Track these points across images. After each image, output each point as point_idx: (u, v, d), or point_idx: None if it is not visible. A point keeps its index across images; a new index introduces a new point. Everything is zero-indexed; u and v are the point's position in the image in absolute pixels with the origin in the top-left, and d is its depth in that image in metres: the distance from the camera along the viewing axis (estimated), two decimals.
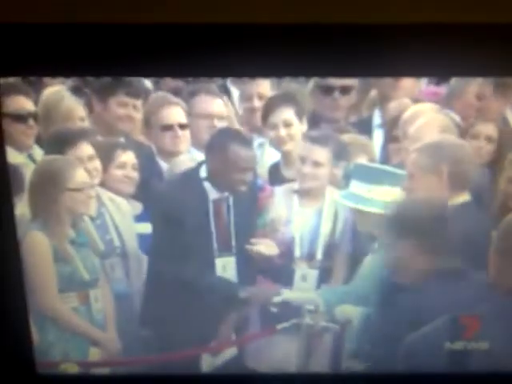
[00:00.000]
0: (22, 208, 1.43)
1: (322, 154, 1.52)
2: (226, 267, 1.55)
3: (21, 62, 1.18)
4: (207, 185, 1.56)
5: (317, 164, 1.53)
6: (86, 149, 1.48)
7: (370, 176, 1.47)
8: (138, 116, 1.57)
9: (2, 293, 1.34)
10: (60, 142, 1.47)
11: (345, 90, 1.53)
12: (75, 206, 1.48)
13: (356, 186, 1.49)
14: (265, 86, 1.55)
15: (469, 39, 1.14)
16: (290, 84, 1.51)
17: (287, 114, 1.54)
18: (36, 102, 1.46)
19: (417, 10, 1.10)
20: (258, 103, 1.57)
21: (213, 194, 1.56)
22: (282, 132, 1.55)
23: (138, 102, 1.55)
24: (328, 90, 1.53)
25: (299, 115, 1.54)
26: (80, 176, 1.46)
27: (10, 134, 1.36)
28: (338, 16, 1.12)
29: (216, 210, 1.55)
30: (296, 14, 1.11)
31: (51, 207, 1.46)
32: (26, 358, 1.41)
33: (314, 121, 1.54)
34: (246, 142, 1.54)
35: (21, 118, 1.44)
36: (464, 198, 1.43)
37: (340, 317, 1.51)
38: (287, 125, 1.54)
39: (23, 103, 1.43)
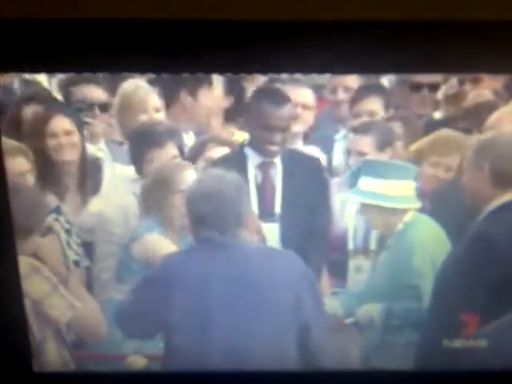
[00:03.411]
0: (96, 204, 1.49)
1: (365, 142, 1.51)
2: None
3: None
4: (248, 150, 1.51)
5: (361, 154, 1.51)
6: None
7: (379, 171, 1.45)
8: None
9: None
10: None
11: (432, 87, 1.50)
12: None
13: (365, 183, 1.46)
14: (351, 78, 1.53)
15: None
16: (377, 77, 1.50)
17: (374, 104, 1.54)
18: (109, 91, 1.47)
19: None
20: (342, 95, 1.57)
21: (255, 159, 1.51)
22: None
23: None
24: (415, 86, 1.50)
25: (386, 108, 1.53)
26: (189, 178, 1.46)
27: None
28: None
29: (259, 175, 1.50)
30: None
31: (164, 209, 1.47)
32: (24, 355, 1.41)
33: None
34: (282, 101, 1.46)
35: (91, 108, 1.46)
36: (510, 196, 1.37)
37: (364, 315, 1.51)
38: (371, 115, 1.54)
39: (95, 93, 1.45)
